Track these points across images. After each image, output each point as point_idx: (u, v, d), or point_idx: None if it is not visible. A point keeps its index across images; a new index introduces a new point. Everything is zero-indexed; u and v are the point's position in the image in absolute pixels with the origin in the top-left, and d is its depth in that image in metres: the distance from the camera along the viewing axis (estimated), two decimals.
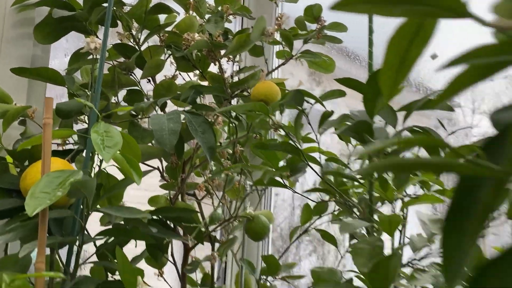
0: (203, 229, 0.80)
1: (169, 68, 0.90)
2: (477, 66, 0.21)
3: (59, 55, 1.00)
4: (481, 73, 0.22)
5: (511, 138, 0.19)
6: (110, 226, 0.68)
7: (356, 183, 0.72)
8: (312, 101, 0.65)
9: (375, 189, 0.60)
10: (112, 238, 0.67)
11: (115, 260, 0.62)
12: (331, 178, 0.78)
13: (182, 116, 0.69)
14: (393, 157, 0.42)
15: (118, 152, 0.55)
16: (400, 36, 0.24)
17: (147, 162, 0.83)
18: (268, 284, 0.83)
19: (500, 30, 0.20)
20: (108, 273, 0.70)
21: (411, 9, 0.20)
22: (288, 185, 0.81)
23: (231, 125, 0.85)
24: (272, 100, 0.69)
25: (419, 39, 0.24)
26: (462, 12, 0.19)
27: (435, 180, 0.65)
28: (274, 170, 0.73)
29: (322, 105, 0.62)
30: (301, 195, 0.86)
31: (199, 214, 0.80)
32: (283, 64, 0.89)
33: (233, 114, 0.84)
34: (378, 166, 0.20)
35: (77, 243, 0.62)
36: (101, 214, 0.79)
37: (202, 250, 0.90)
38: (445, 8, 0.19)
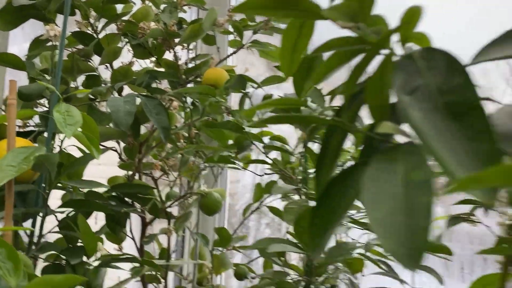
0: (159, 206, 0.88)
1: (126, 55, 0.97)
2: (338, 53, 0.31)
3: (18, 41, 1.05)
4: (342, 58, 0.32)
5: (346, 103, 0.29)
6: None
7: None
8: (255, 85, 0.74)
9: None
10: (74, 213, 0.74)
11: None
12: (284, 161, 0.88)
13: (138, 99, 0.77)
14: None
15: (79, 130, 0.63)
16: (290, 30, 0.33)
17: (106, 144, 0.91)
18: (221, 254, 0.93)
19: (344, 28, 0.29)
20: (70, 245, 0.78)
21: (288, 12, 0.29)
22: (242, 166, 0.91)
23: (187, 110, 0.93)
24: (221, 84, 0.78)
25: (304, 33, 0.33)
26: (320, 15, 0.29)
27: None
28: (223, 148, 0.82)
29: (261, 88, 0.72)
30: (256, 174, 0.96)
31: (155, 191, 0.89)
32: (234, 52, 0.98)
33: (190, 100, 0.92)
34: (268, 119, 0.30)
35: (40, 214, 0.69)
36: (62, 195, 0.86)
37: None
38: (309, 12, 0.29)
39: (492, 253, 0.48)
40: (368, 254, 0.82)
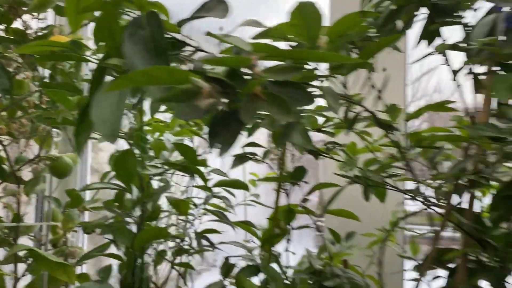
0: (8, 170, 0.95)
1: None
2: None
3: None
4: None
5: (106, 50, 0.43)
6: None
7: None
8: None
9: None
10: None
11: None
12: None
13: None
14: None
15: None
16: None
17: None
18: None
19: None
20: None
21: None
22: None
23: (42, 80, 1.01)
24: None
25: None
26: None
27: None
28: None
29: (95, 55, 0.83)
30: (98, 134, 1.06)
31: (3, 155, 0.95)
32: (85, 24, 1.07)
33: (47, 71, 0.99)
34: (42, 57, 0.42)
35: None
36: None
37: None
38: None
39: (264, 181, 0.66)
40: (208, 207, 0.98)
